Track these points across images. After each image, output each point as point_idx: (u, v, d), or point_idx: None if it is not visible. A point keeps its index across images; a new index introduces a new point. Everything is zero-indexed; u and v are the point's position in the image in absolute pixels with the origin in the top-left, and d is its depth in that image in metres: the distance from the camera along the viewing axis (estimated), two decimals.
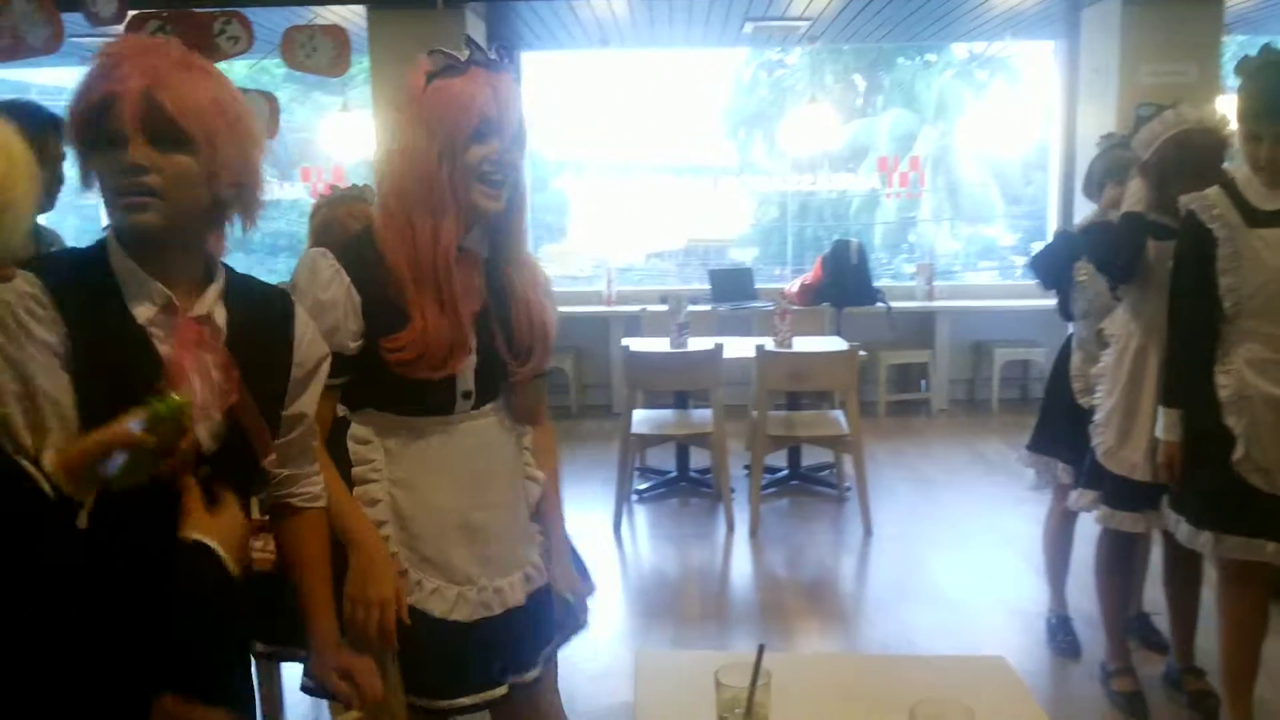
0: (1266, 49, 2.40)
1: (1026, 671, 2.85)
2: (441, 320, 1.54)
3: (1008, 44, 8.74)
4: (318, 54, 4.68)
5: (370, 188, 3.27)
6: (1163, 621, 3.13)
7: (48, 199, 2.45)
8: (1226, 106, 2.74)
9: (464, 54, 1.55)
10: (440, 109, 1.50)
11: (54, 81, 9.25)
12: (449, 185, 1.51)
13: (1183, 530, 2.55)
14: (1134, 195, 2.66)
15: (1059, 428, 3.18)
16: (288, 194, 8.61)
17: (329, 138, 6.33)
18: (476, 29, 5.90)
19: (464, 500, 1.65)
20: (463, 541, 1.65)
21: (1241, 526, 2.41)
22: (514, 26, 6.43)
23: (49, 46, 3.71)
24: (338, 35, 4.89)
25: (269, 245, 12.19)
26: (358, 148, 6.34)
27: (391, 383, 1.57)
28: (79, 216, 8.95)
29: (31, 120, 2.47)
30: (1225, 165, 2.67)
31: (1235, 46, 7.55)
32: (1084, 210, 4.93)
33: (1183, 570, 2.90)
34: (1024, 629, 3.46)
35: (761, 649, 1.29)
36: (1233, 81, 2.43)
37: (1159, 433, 2.57)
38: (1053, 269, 3.14)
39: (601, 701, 3.00)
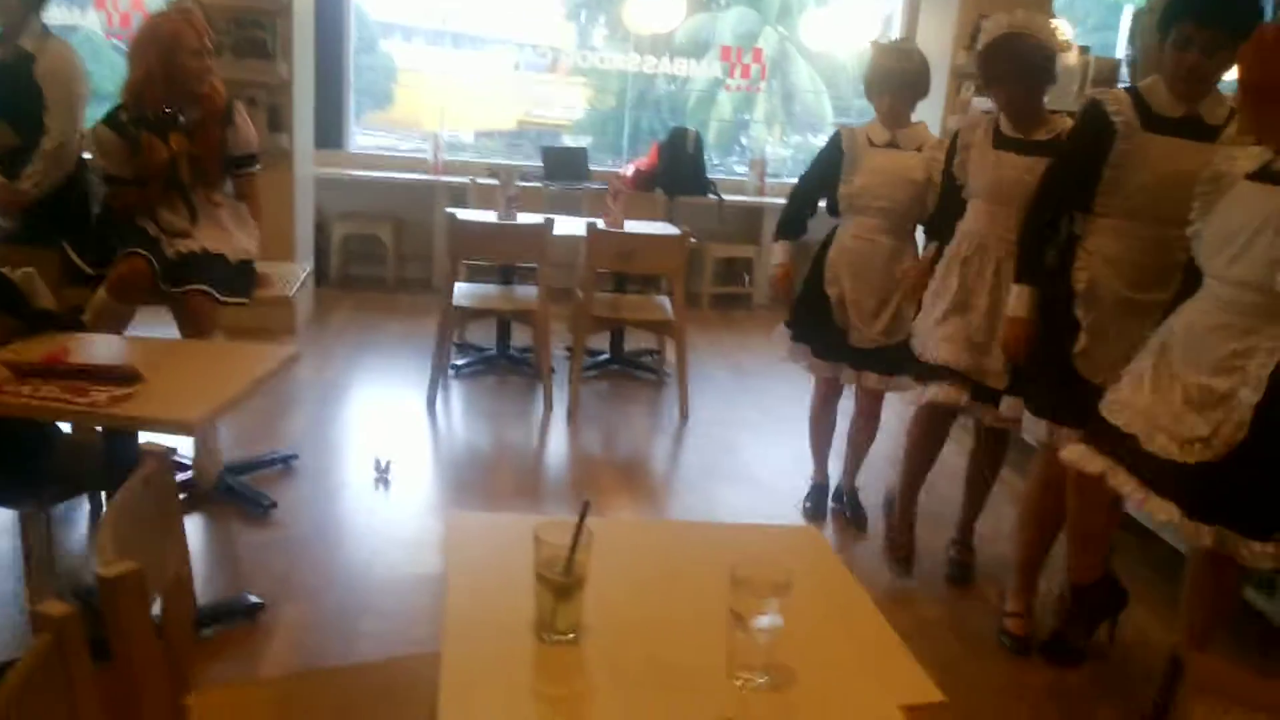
0: None
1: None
2: None
3: None
4: None
5: None
6: (866, 498, 3.58)
7: None
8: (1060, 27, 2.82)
9: None
10: None
11: None
12: None
13: (1026, 419, 2.64)
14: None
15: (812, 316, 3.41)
16: (77, 20, 7.60)
17: None
18: None
19: None
20: None
21: (1075, 419, 2.46)
22: None
23: None
24: None
25: None
26: None
27: None
28: None
29: None
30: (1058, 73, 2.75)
31: None
32: None
33: (990, 454, 3.13)
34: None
35: (586, 505, 1.23)
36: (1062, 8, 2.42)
37: (1008, 310, 2.64)
38: None
39: (409, 570, 2.92)
